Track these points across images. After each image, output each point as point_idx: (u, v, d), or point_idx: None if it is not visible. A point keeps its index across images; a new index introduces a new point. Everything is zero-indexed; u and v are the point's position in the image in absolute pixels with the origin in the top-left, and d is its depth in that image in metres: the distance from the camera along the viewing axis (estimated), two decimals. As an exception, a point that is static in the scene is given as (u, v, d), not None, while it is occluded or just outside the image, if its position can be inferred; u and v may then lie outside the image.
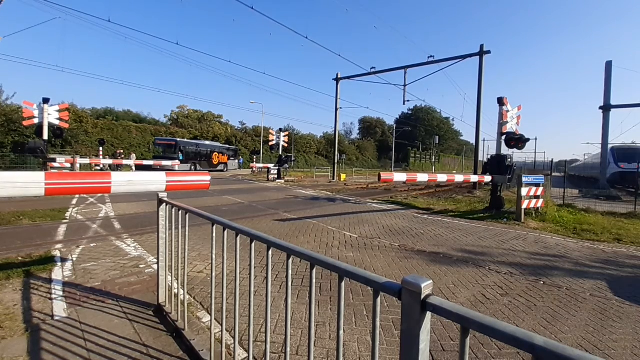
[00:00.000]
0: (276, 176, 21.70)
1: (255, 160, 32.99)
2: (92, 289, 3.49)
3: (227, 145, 38.14)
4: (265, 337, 1.64)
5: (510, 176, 9.83)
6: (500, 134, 10.27)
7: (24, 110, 13.16)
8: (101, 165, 19.19)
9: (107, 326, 2.71)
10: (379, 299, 1.06)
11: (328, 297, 3.47)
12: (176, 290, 2.86)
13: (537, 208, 9.22)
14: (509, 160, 9.95)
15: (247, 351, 1.82)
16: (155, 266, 3.92)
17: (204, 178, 3.94)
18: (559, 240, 6.53)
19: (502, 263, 4.89)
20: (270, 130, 23.98)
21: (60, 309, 3.00)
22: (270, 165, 22.63)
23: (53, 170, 12.20)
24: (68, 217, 7.33)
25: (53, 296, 3.26)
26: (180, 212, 2.60)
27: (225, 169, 34.36)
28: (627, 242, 6.48)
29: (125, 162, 19.81)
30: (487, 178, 9.91)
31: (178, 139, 30.04)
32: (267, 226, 7.16)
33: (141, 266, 4.27)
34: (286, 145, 24.08)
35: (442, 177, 9.47)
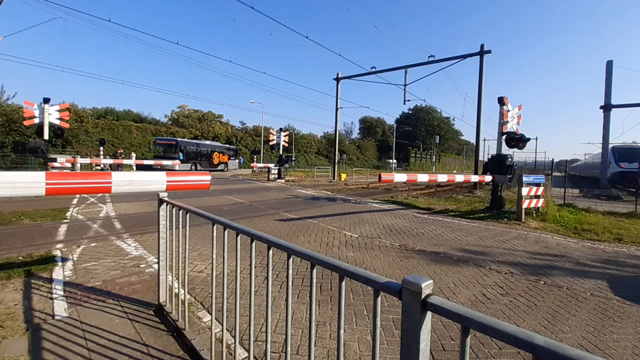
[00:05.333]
0: (277, 176, 21.69)
1: (255, 159, 32.94)
2: (92, 288, 3.49)
3: (228, 145, 38.12)
4: (266, 336, 1.64)
5: (510, 176, 9.82)
6: (501, 133, 10.27)
7: (24, 110, 13.17)
8: (102, 165, 19.19)
9: (107, 326, 2.71)
10: (379, 298, 1.06)
11: (328, 297, 3.48)
12: (177, 290, 2.86)
13: (538, 208, 9.21)
14: (510, 159, 9.94)
15: (248, 351, 1.82)
16: (156, 266, 3.93)
17: (205, 178, 3.94)
18: (559, 240, 6.53)
19: (503, 263, 4.89)
20: (271, 130, 23.96)
21: (61, 308, 3.01)
22: (271, 165, 22.61)
23: (54, 170, 12.20)
24: (69, 217, 7.34)
25: (54, 296, 3.26)
26: (180, 211, 2.60)
27: (226, 169, 34.36)
28: (627, 241, 6.47)
29: (125, 161, 19.82)
30: (488, 178, 9.90)
31: (178, 139, 30.03)
32: (267, 226, 7.16)
33: (142, 266, 4.27)
34: (286, 145, 24.08)
35: (442, 177, 9.46)
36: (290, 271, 1.52)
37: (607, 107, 17.40)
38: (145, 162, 22.68)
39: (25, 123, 13.64)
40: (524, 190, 8.52)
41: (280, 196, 13.01)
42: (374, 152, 72.70)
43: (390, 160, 62.36)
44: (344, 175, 24.79)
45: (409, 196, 14.03)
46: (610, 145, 18.94)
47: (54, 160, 13.73)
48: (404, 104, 23.05)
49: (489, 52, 17.09)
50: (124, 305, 3.11)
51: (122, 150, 28.02)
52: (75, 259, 4.45)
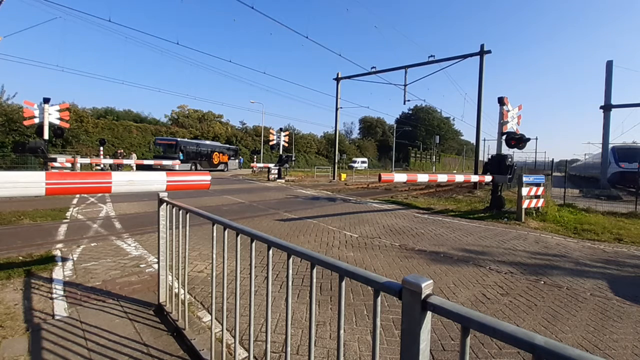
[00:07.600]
0: (277, 176, 21.69)
1: (255, 159, 32.97)
2: (92, 288, 3.49)
3: (228, 145, 38.13)
4: (266, 336, 1.64)
5: (510, 176, 9.82)
6: (501, 133, 10.27)
7: (24, 110, 13.16)
8: (102, 165, 19.20)
9: (107, 325, 2.71)
10: (379, 298, 1.06)
11: (328, 297, 3.48)
12: (177, 290, 2.86)
13: (538, 208, 9.21)
14: (510, 159, 9.93)
15: (248, 350, 1.82)
16: (156, 266, 3.93)
17: (205, 178, 3.94)
18: (559, 240, 6.53)
19: (503, 262, 4.89)
20: (271, 130, 23.96)
21: (61, 308, 3.00)
22: (271, 165, 22.63)
23: (54, 170, 12.20)
24: (69, 217, 7.34)
25: (54, 295, 3.26)
26: (180, 211, 2.60)
27: (226, 169, 34.36)
28: (627, 241, 6.47)
29: (125, 161, 19.82)
30: (488, 178, 9.90)
31: (178, 139, 30.03)
32: (267, 226, 7.16)
33: (142, 266, 4.27)
34: (286, 144, 24.08)
35: (442, 177, 9.46)
36: (290, 271, 1.52)
37: (607, 107, 17.40)
38: (146, 162, 22.68)
39: (25, 123, 13.63)
40: (524, 190, 8.52)
41: (280, 196, 13.01)
42: (374, 152, 72.76)
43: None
44: (344, 175, 24.79)
45: (409, 196, 14.03)
46: (610, 145, 18.94)
47: (54, 160, 13.73)
48: (404, 104, 23.06)
49: (489, 52, 17.09)
50: (124, 305, 3.11)
51: (122, 150, 28.03)
52: (75, 258, 4.45)
